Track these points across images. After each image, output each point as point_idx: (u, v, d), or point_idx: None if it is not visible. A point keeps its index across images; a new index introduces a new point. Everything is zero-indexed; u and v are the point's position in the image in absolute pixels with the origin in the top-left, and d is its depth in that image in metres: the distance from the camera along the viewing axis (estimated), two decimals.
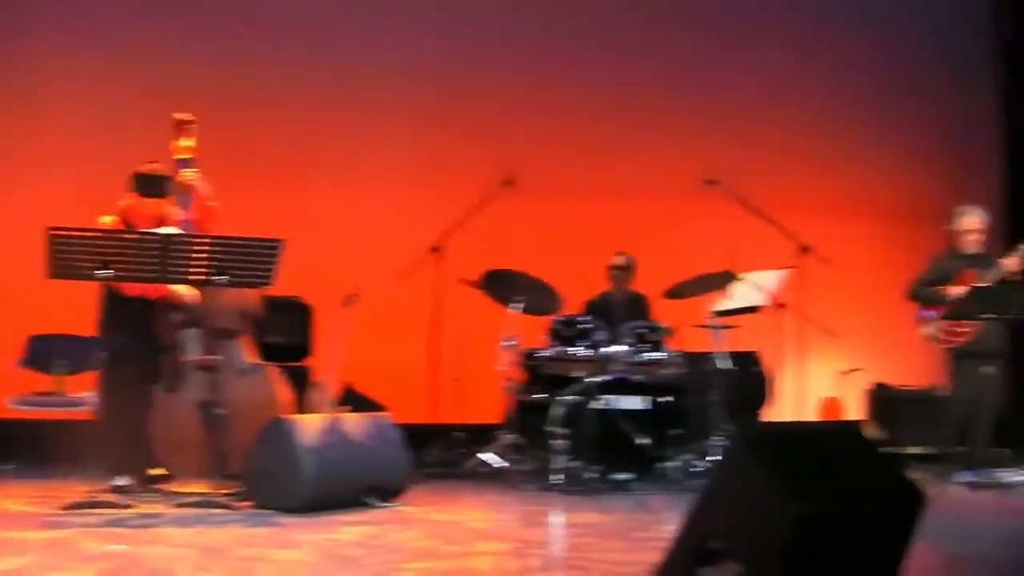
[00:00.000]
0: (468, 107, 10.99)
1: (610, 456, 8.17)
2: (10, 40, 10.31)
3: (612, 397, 8.31)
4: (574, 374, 8.69)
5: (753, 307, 9.57)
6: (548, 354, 8.82)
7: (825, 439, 4.47)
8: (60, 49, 10.35)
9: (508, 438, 8.67)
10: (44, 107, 10.22)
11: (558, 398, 8.39)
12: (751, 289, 9.31)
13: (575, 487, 7.95)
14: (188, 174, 7.35)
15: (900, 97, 12.29)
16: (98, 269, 6.37)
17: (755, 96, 11.91)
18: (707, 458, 8.63)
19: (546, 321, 8.90)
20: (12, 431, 8.95)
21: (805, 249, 9.66)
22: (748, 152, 11.31)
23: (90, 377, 7.73)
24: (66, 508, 6.59)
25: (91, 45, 10.42)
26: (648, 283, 9.63)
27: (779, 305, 9.62)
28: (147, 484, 7.18)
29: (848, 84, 12.20)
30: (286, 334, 9.26)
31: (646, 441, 8.22)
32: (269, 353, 8.01)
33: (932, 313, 9.10)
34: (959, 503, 8.00)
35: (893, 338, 10.94)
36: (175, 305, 7.30)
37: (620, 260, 9.74)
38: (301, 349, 9.51)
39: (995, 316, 8.64)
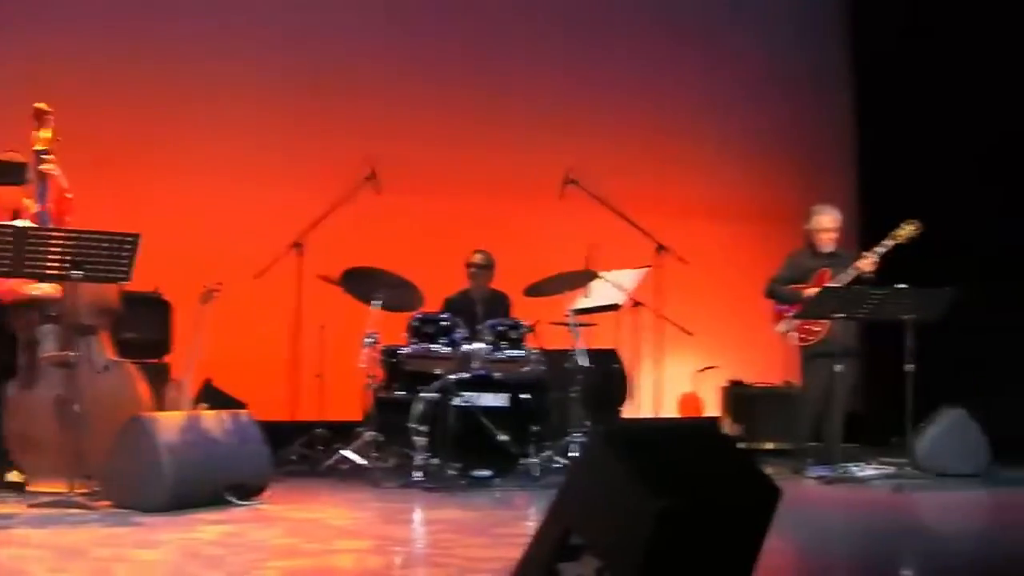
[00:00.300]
0: (330, 103, 10.90)
1: (471, 453, 8.19)
2: None
3: (472, 394, 8.32)
4: (435, 371, 8.70)
5: (612, 305, 9.70)
6: (409, 351, 8.82)
7: (682, 435, 4.53)
8: None
9: (369, 435, 8.65)
10: None
11: (419, 395, 8.41)
12: (610, 287, 9.43)
13: (436, 484, 7.96)
14: (46, 164, 7.24)
15: (757, 98, 12.51)
16: None
17: (615, 96, 12.02)
18: (567, 454, 8.72)
19: (407, 318, 8.90)
20: None
21: (662, 248, 9.78)
22: (607, 151, 11.41)
23: None
24: None
25: None
26: (508, 281, 9.68)
27: (637, 303, 9.75)
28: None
29: (706, 85, 12.37)
30: (144, 330, 9.12)
31: (506, 438, 8.25)
32: (127, 349, 7.89)
33: (787, 311, 9.29)
34: (812, 497, 8.18)
35: (749, 336, 11.16)
36: (30, 300, 7.18)
37: (479, 258, 9.76)
38: (160, 345, 9.38)
39: (847, 315, 8.85)
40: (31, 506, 6.61)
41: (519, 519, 6.91)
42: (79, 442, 6.75)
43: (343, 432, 9.03)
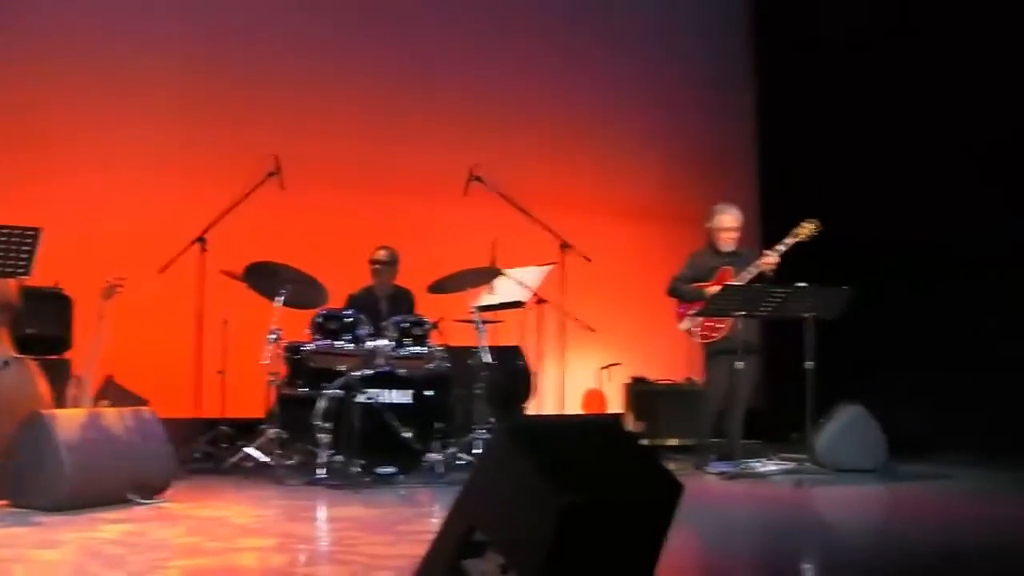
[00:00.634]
0: (234, 97, 10.81)
1: (375, 450, 8.17)
2: None
3: (376, 391, 8.32)
4: (338, 368, 8.67)
5: (516, 302, 9.74)
6: (312, 348, 8.77)
7: (586, 432, 4.56)
8: None
9: (272, 433, 8.62)
10: None
11: (323, 392, 8.39)
12: (514, 284, 9.47)
13: (340, 481, 7.95)
14: None
15: (661, 98, 12.62)
16: None
17: (521, 94, 12.07)
18: (471, 451, 8.74)
19: (310, 315, 8.86)
20: None
21: (566, 245, 9.82)
22: (512, 149, 11.46)
23: None
24: None
25: None
26: (412, 278, 9.67)
27: (541, 300, 9.79)
28: None
29: (611, 85, 12.46)
30: (45, 326, 9.00)
31: (410, 435, 8.26)
32: (27, 346, 7.78)
33: (690, 309, 9.39)
34: (714, 492, 8.27)
35: (652, 333, 11.26)
36: None
37: (383, 255, 9.73)
38: (60, 341, 9.25)
39: (748, 313, 8.96)
40: None
41: (423, 516, 6.92)
42: None
43: (247, 429, 8.99)
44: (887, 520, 7.49)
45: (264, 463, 8.50)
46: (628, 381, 11.45)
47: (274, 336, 8.60)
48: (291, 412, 8.71)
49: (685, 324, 9.47)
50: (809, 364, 8.80)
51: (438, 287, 9.04)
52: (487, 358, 9.03)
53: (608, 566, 4.04)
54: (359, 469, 8.08)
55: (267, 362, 8.60)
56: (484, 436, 8.73)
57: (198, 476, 8.30)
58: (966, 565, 5.62)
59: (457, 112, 11.68)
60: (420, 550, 4.32)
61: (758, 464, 9.10)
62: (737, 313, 8.96)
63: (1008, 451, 9.71)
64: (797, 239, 9.23)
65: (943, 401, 10.19)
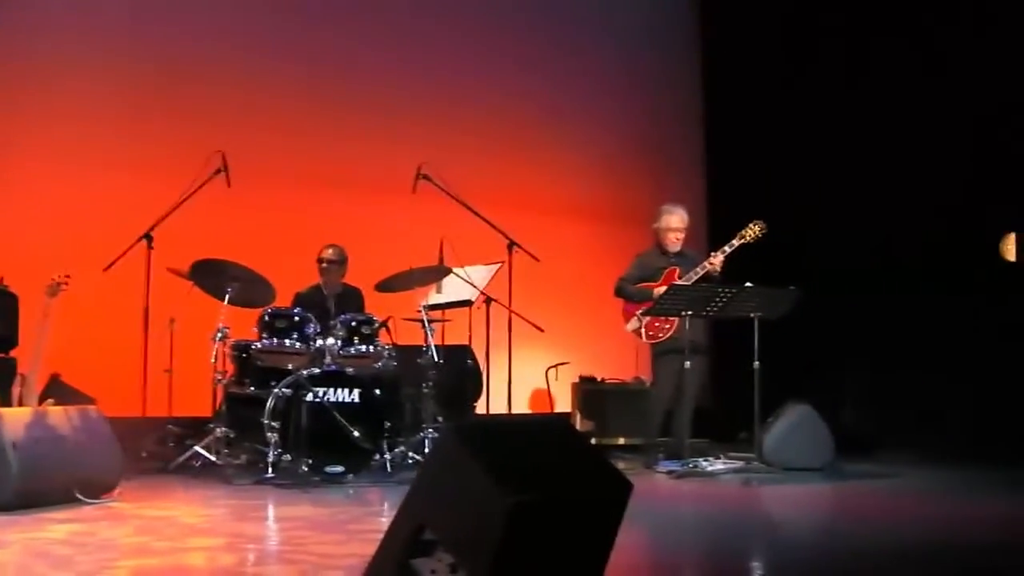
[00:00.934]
0: (182, 93, 10.75)
1: (323, 449, 8.15)
2: None
3: (325, 390, 8.31)
4: (286, 367, 8.66)
5: (464, 301, 9.74)
6: (260, 346, 8.74)
7: (534, 431, 4.58)
8: None
9: (220, 432, 8.59)
10: None
11: (271, 391, 8.37)
12: (462, 283, 9.47)
13: (288, 481, 7.95)
14: None
15: (609, 98, 12.67)
16: None
17: (469, 92, 12.09)
18: (420, 450, 8.75)
19: (257, 313, 8.83)
20: None
21: (514, 245, 9.83)
22: (460, 147, 11.47)
23: None
24: None
25: None
26: (360, 276, 9.66)
27: (489, 299, 9.80)
28: None
29: (559, 84, 12.50)
30: None
31: (359, 434, 8.24)
32: None
33: (637, 309, 9.43)
34: (663, 491, 8.30)
35: (600, 333, 11.29)
36: None
37: (331, 253, 9.69)
38: (5, 340, 9.18)
39: (695, 313, 9.01)
40: None
41: (372, 515, 6.92)
42: None
43: (195, 428, 8.95)
44: (835, 519, 7.54)
45: (212, 462, 8.47)
46: (576, 380, 11.48)
47: (221, 334, 8.57)
48: (239, 411, 8.69)
49: (632, 324, 9.51)
50: (756, 364, 8.88)
51: (386, 286, 9.04)
52: (436, 357, 9.03)
53: (557, 565, 4.06)
54: (307, 468, 8.07)
55: (214, 360, 8.57)
56: (433, 435, 8.75)
57: (146, 475, 8.26)
58: (914, 563, 5.67)
59: (405, 110, 11.68)
60: (370, 549, 4.32)
61: (706, 463, 9.14)
62: (684, 313, 9.01)
63: (954, 450, 9.81)
64: (743, 240, 9.30)
65: (890, 401, 10.30)
